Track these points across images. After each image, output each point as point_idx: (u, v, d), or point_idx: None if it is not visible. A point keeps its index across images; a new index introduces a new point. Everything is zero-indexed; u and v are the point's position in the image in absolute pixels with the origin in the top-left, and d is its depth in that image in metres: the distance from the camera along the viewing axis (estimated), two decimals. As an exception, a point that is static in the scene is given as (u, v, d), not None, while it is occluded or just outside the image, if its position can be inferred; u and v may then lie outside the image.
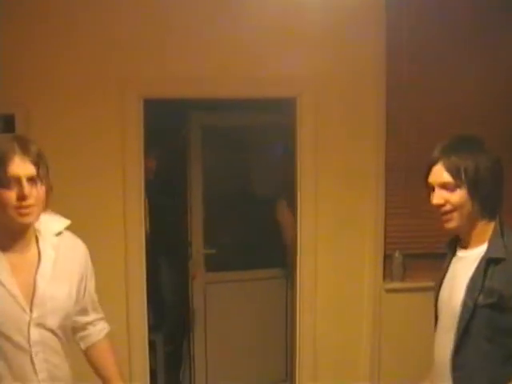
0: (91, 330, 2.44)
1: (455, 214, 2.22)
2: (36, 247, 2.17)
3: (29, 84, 3.75)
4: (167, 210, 4.82)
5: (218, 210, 4.92)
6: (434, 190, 2.25)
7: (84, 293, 2.35)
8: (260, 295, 4.85)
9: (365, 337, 4.22)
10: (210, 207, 4.86)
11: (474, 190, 2.18)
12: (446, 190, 2.21)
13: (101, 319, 2.49)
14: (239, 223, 5.04)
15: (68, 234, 2.30)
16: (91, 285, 2.40)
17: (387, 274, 4.22)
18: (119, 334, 3.83)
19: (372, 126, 4.11)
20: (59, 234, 2.25)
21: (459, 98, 4.11)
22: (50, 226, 2.23)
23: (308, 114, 4.06)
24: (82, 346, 2.44)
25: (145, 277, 4.01)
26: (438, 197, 2.23)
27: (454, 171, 2.18)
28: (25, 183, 2.00)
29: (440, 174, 2.22)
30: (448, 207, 2.22)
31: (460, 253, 2.33)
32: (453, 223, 2.24)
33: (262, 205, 4.96)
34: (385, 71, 4.07)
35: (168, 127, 4.76)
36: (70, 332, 2.30)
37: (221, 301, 4.82)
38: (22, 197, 2.00)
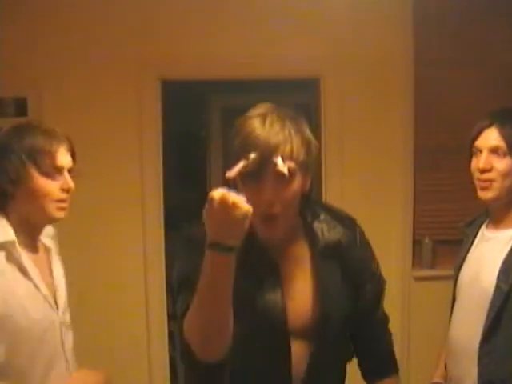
0: None
1: (496, 184, 2.18)
2: (42, 245, 2.11)
3: (42, 66, 3.70)
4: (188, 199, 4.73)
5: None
6: (480, 154, 2.21)
7: None
8: None
9: (393, 327, 4.06)
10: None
11: None
12: (495, 154, 2.17)
13: None
14: None
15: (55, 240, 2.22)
16: None
17: (416, 261, 4.12)
18: (138, 325, 3.84)
19: (399, 108, 4.01)
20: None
21: (493, 73, 3.98)
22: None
23: (332, 95, 3.99)
24: None
25: (164, 266, 3.93)
26: (486, 161, 2.18)
27: (507, 136, 2.16)
28: (68, 175, 2.00)
29: (493, 137, 2.18)
30: (492, 174, 2.17)
31: (488, 233, 2.28)
32: (491, 193, 2.19)
33: None
34: (412, 49, 3.96)
35: (187, 111, 4.65)
36: None
37: None
38: (67, 189, 1.99)
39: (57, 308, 2.03)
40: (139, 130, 3.78)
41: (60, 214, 2.00)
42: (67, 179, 1.99)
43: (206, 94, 4.60)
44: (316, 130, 4.03)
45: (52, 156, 1.96)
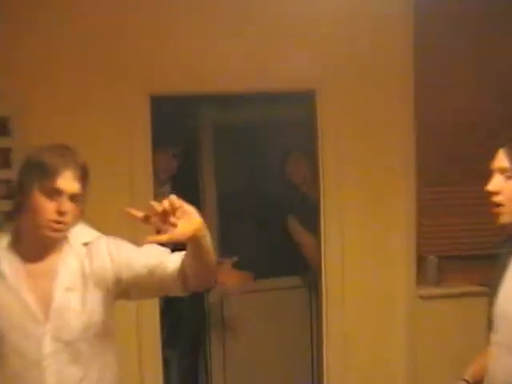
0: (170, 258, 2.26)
1: (504, 209, 2.14)
2: (58, 256, 2.19)
3: (27, 83, 3.59)
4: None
5: (233, 216, 4.79)
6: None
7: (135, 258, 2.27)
8: (281, 305, 4.67)
9: (399, 347, 4.09)
10: (225, 213, 4.72)
11: None
12: (504, 176, 2.13)
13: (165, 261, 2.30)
14: (255, 231, 4.93)
15: (97, 243, 2.28)
16: (129, 254, 2.29)
17: (421, 279, 4.08)
18: (130, 352, 3.71)
19: (399, 121, 3.97)
20: (87, 243, 2.25)
21: (497, 83, 3.96)
22: (80, 235, 2.25)
23: (328, 108, 3.93)
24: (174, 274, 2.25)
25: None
26: (494, 183, 2.15)
27: (506, 156, 2.12)
28: (66, 199, 2.08)
29: (501, 158, 2.14)
30: (499, 197, 2.13)
31: None
32: (501, 219, 2.15)
33: (280, 206, 4.78)
34: (411, 58, 3.92)
35: (178, 125, 4.60)
36: (103, 338, 2.25)
37: (238, 312, 4.63)
38: (61, 212, 2.07)
39: (46, 319, 2.10)
40: (130, 146, 3.72)
41: (54, 235, 2.10)
42: (63, 203, 2.06)
43: (196, 108, 4.54)
44: (313, 143, 4.05)
45: (53, 178, 2.05)
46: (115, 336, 2.33)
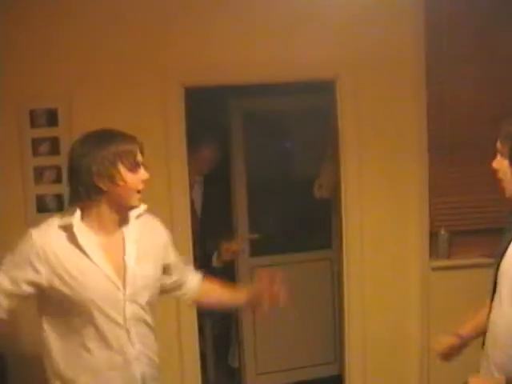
0: (188, 283, 2.68)
1: (504, 184, 2.28)
2: (121, 230, 2.36)
3: (71, 78, 3.77)
4: (214, 196, 4.85)
5: (262, 195, 4.93)
6: None
7: (174, 265, 2.58)
8: (306, 277, 4.84)
9: (413, 315, 4.21)
10: (254, 192, 4.88)
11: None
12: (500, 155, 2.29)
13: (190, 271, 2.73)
14: (282, 207, 5.05)
15: (147, 216, 2.47)
16: (175, 254, 2.61)
17: (433, 252, 4.19)
18: (169, 321, 3.88)
19: (413, 105, 4.07)
20: (139, 216, 2.41)
21: (505, 67, 4.04)
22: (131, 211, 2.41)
23: (348, 95, 4.04)
24: (189, 301, 2.80)
25: (192, 261, 3.94)
26: (495, 161, 2.30)
27: (502, 137, 2.26)
28: (143, 169, 2.32)
29: (498, 139, 2.30)
30: (499, 174, 2.29)
31: None
32: (507, 192, 2.29)
33: (304, 187, 4.96)
34: (424, 46, 4.02)
35: (209, 115, 4.77)
36: (154, 305, 2.46)
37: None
38: (144, 181, 2.32)
39: (124, 286, 2.29)
40: (165, 136, 3.86)
41: (139, 203, 2.35)
42: (143, 173, 2.30)
43: (226, 97, 4.70)
44: (334, 128, 4.15)
45: (133, 154, 2.27)
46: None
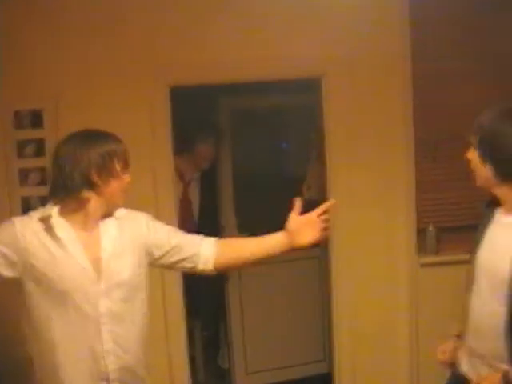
0: (203, 251, 2.54)
1: (476, 173, 2.35)
2: (99, 226, 2.38)
3: (57, 78, 3.76)
4: (211, 193, 4.85)
5: (250, 194, 4.94)
6: None
7: (163, 240, 2.51)
8: (294, 276, 4.86)
9: (402, 312, 4.22)
10: (241, 191, 4.88)
11: (481, 150, 2.30)
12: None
13: (200, 239, 2.58)
14: (270, 206, 4.92)
15: (127, 212, 2.47)
16: (162, 228, 2.54)
17: (421, 249, 4.20)
18: (157, 322, 3.82)
19: (399, 103, 4.08)
20: (119, 218, 2.43)
21: (491, 64, 4.06)
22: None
23: (334, 93, 4.04)
24: (211, 268, 2.55)
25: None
26: (469, 152, 2.37)
27: (473, 129, 2.33)
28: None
29: None
30: (471, 165, 2.37)
31: (504, 218, 2.35)
32: (477, 181, 2.38)
33: (293, 186, 4.91)
34: (410, 46, 4.04)
35: (199, 113, 4.76)
36: (139, 302, 2.43)
37: (256, 284, 4.82)
38: (129, 183, 2.38)
39: (99, 280, 2.30)
40: (152, 135, 3.86)
41: (122, 204, 2.41)
42: (128, 175, 2.38)
43: (214, 96, 4.69)
44: (320, 126, 4.16)
45: (127, 155, 2.37)
46: (148, 296, 2.49)
